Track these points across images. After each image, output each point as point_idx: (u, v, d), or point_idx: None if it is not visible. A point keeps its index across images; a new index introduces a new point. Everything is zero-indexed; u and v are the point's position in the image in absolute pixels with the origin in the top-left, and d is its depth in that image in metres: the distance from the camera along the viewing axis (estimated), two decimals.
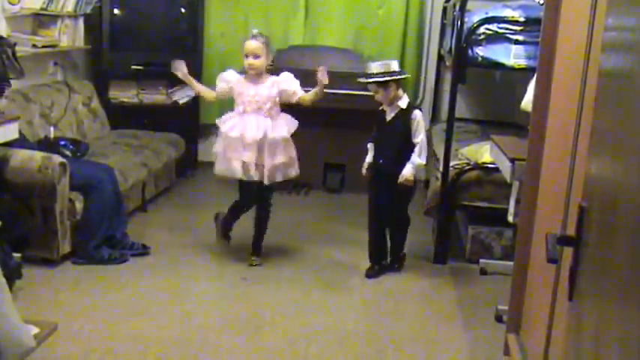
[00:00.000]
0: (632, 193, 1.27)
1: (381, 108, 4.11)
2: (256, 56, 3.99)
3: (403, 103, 3.99)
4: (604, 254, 1.43)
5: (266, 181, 4.06)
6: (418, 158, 3.96)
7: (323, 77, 3.99)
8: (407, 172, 3.94)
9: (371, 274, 4.16)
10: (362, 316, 3.63)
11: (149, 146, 5.24)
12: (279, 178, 4.13)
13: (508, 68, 4.20)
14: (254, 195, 4.20)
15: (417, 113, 4.00)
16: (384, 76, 3.92)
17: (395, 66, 3.99)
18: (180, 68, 4.14)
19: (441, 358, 3.25)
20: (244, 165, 4.02)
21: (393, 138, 4.03)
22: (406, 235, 4.27)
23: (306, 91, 4.14)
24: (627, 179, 1.31)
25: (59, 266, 4.02)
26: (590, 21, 2.19)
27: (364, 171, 4.14)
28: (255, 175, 4.04)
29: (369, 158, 4.14)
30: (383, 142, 4.08)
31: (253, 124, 4.01)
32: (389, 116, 4.03)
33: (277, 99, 4.07)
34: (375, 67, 3.98)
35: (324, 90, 4.05)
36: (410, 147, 3.97)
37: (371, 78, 3.96)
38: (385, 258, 4.25)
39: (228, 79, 4.13)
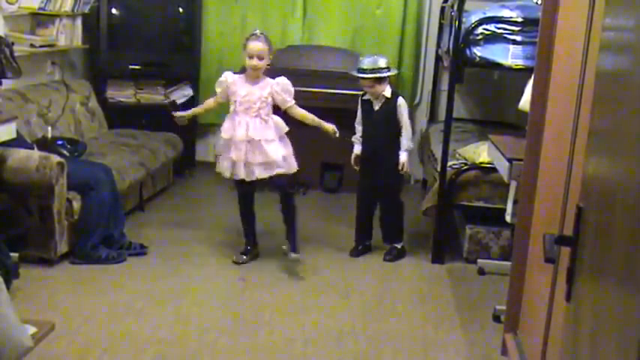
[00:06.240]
0: (629, 194, 1.27)
1: (366, 98, 4.33)
2: (260, 58, 4.02)
3: (388, 92, 4.25)
4: (601, 254, 1.43)
5: (247, 178, 4.09)
6: (408, 143, 4.28)
7: (332, 130, 4.13)
8: (404, 158, 4.26)
9: (355, 253, 4.45)
10: (359, 315, 3.63)
11: (147, 146, 5.23)
12: (265, 174, 4.10)
13: (506, 68, 4.21)
14: (248, 194, 4.26)
15: (400, 99, 4.28)
16: (382, 72, 4.16)
17: (385, 62, 4.23)
18: (182, 117, 4.32)
19: (438, 358, 3.25)
20: (232, 164, 4.08)
21: (381, 126, 4.29)
22: (403, 220, 4.49)
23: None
24: (625, 179, 1.32)
25: (57, 266, 4.02)
26: (587, 21, 2.19)
27: (353, 164, 4.43)
28: (242, 174, 4.09)
29: (357, 150, 4.40)
30: (372, 131, 4.33)
31: (242, 124, 4.05)
32: (376, 106, 4.28)
33: (269, 100, 4.08)
34: (368, 63, 4.21)
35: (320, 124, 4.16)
36: (396, 132, 4.26)
37: (367, 73, 4.17)
38: (369, 239, 4.51)
39: (224, 80, 4.17)
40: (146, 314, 3.51)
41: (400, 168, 4.26)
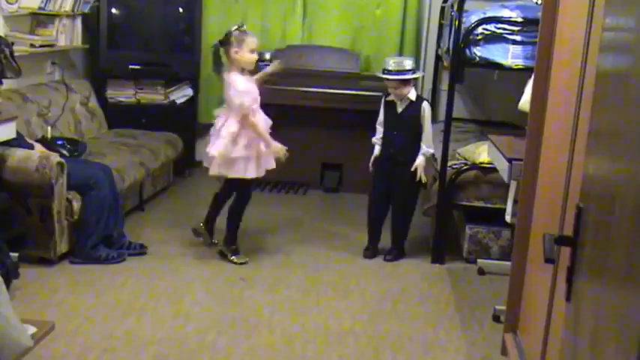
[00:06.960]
0: (629, 194, 1.27)
1: (390, 99, 4.29)
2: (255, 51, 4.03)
3: (412, 95, 4.24)
4: (601, 254, 1.43)
5: (258, 175, 4.14)
6: (427, 148, 4.23)
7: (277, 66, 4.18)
8: (418, 162, 4.23)
9: (369, 254, 4.42)
10: (359, 315, 3.63)
11: (147, 146, 5.23)
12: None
13: (506, 68, 4.20)
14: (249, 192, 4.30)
15: (425, 104, 4.27)
16: (408, 74, 4.15)
17: (411, 64, 4.22)
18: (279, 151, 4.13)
19: (438, 357, 3.25)
20: (246, 164, 4.07)
21: (404, 128, 4.26)
22: (410, 223, 4.45)
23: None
24: (625, 180, 1.32)
25: (56, 266, 4.01)
26: (587, 21, 2.19)
27: (371, 166, 4.37)
28: (257, 172, 4.09)
29: (377, 151, 4.35)
30: (394, 132, 4.29)
31: (260, 120, 4.05)
32: (400, 108, 4.26)
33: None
34: (394, 64, 4.18)
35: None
36: (417, 135, 4.23)
37: (393, 75, 4.15)
38: (379, 240, 4.48)
39: (251, 86, 4.01)
40: (146, 314, 3.51)
41: (413, 170, 4.21)
